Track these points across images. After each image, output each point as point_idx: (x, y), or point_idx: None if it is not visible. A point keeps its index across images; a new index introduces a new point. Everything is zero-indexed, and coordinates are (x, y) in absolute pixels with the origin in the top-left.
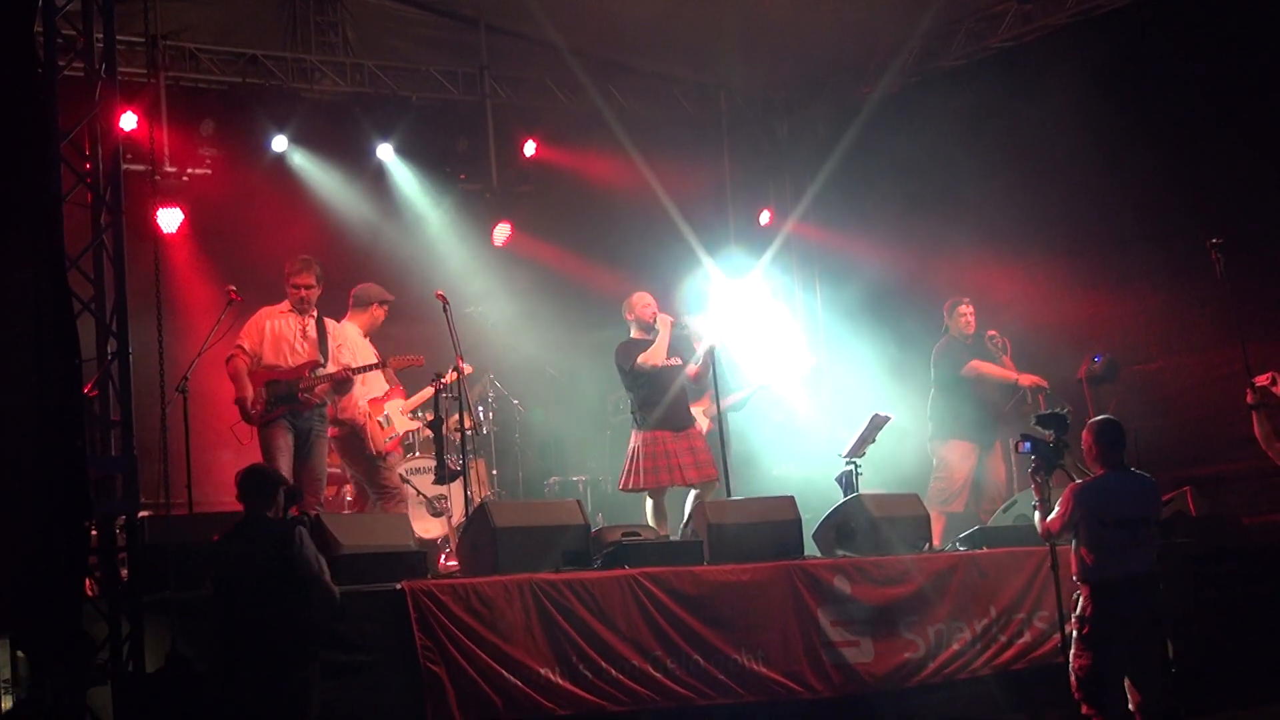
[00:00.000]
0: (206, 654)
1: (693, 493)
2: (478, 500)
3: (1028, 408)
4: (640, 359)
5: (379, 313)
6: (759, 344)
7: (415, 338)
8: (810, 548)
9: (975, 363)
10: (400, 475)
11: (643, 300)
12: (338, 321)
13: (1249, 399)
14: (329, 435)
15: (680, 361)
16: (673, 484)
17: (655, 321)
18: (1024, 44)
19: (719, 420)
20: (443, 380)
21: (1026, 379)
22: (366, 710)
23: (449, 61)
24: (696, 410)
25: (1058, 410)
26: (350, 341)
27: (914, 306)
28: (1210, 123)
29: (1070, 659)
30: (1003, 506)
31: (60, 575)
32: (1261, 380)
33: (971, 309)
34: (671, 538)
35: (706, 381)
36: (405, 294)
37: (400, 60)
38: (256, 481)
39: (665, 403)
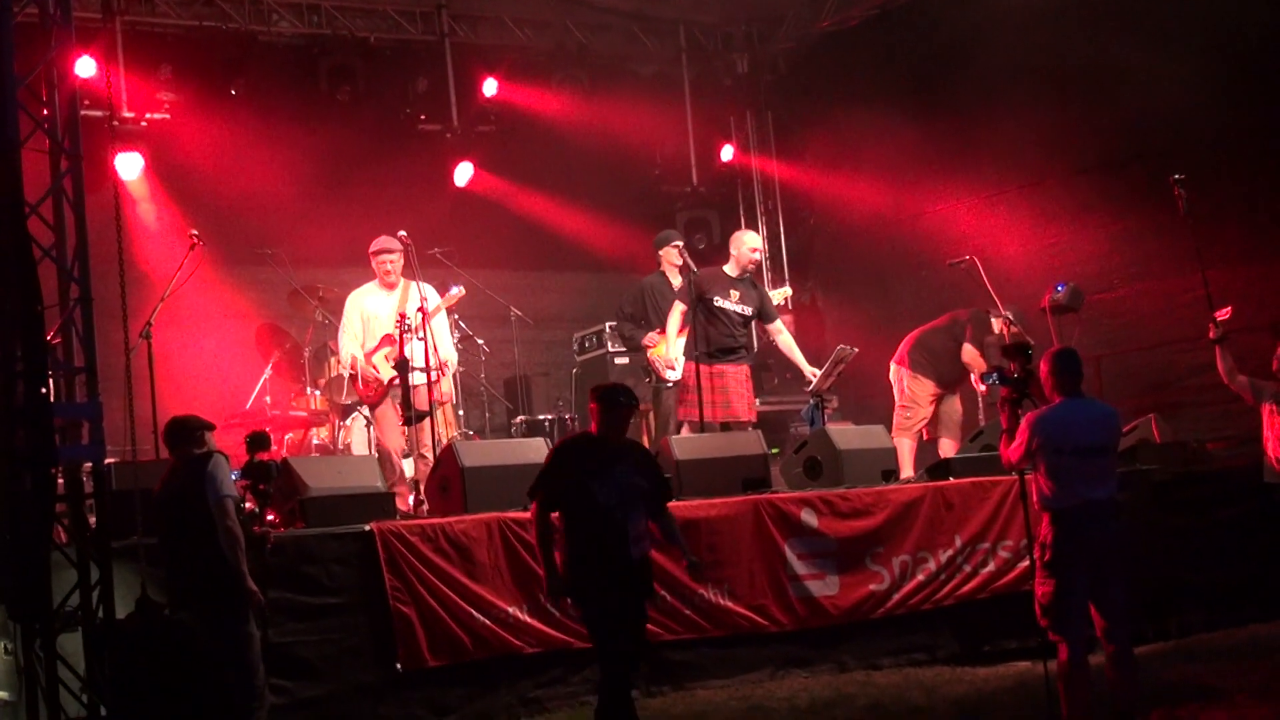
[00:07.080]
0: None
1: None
2: (445, 441)
3: (993, 338)
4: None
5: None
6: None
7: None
8: (778, 482)
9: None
10: (366, 417)
11: (753, 245)
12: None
13: (1211, 334)
14: None
15: (751, 311)
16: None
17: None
18: None
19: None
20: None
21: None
22: (337, 652)
23: (406, 1)
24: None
25: (1021, 341)
26: None
27: (876, 237)
28: (1167, 50)
29: (1035, 586)
30: (970, 436)
31: (28, 522)
32: (1221, 315)
33: (1006, 329)
34: None
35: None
36: (369, 236)
37: (357, 0)
38: (171, 430)
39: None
